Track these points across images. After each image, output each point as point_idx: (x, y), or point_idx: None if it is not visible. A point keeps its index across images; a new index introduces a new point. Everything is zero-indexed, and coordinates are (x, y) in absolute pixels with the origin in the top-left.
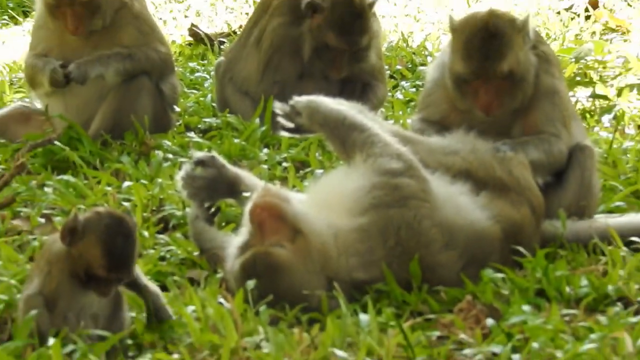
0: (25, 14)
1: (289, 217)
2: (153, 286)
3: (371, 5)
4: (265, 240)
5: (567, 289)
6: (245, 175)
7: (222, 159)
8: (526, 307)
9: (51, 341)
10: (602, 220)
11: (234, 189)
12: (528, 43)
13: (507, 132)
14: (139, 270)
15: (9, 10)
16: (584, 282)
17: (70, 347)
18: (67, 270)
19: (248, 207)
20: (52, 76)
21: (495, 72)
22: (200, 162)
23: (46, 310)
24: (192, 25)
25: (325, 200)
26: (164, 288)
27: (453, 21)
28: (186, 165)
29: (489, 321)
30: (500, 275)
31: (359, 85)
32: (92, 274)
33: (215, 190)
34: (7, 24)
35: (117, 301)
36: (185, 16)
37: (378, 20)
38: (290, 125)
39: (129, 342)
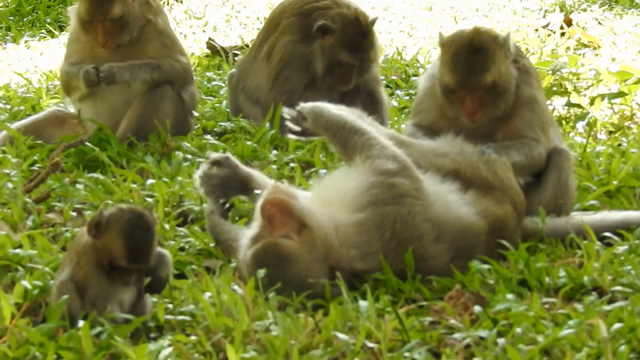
0: (61, 28)
1: (296, 212)
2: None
3: (373, 22)
4: (275, 232)
5: (547, 279)
6: (256, 174)
7: (235, 160)
8: (510, 296)
9: (81, 324)
10: (578, 217)
11: (246, 186)
12: (509, 57)
13: (491, 137)
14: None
15: (47, 25)
16: (562, 273)
17: (98, 329)
18: (94, 260)
19: (259, 202)
20: (86, 75)
21: (479, 83)
22: (216, 162)
23: (77, 295)
24: (210, 39)
25: (328, 197)
26: (182, 276)
27: (442, 37)
28: (203, 165)
29: (477, 308)
30: (486, 266)
31: (363, 94)
32: (114, 264)
33: (230, 187)
34: (45, 37)
35: (140, 288)
36: (203, 31)
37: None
38: (297, 128)
39: (151, 324)
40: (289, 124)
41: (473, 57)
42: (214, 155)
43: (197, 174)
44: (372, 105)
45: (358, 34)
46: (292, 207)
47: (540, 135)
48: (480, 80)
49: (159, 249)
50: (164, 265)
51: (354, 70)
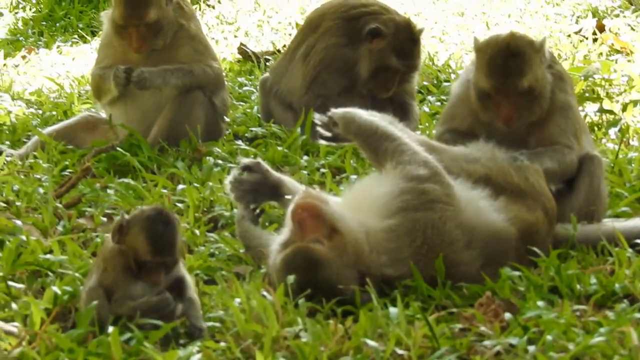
0: (93, 34)
1: (327, 217)
2: (196, 300)
3: (421, 31)
4: (305, 237)
5: (578, 287)
6: (287, 179)
7: (266, 165)
8: (541, 303)
9: (110, 329)
10: (610, 223)
11: (277, 192)
12: (545, 63)
13: (524, 142)
14: (189, 282)
15: (79, 30)
16: (593, 280)
17: (127, 335)
18: (121, 265)
19: (290, 207)
20: (115, 77)
21: (515, 88)
22: (246, 168)
23: (106, 301)
24: (241, 44)
25: (359, 203)
26: (212, 282)
27: (477, 42)
28: (234, 170)
29: (507, 315)
30: (517, 273)
31: (395, 105)
32: (140, 261)
33: (260, 193)
34: (77, 42)
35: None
36: (235, 36)
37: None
38: (328, 134)
39: (180, 330)
40: (320, 130)
41: (509, 62)
42: (245, 160)
43: (228, 180)
44: (402, 118)
45: (409, 40)
46: (323, 212)
47: (572, 141)
48: (516, 84)
49: (188, 294)
50: (194, 310)
51: (396, 78)
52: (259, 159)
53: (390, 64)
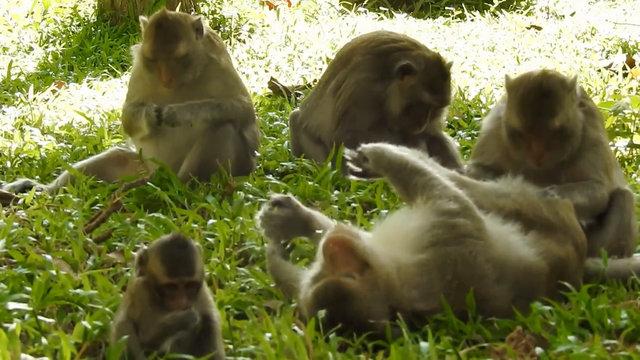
0: (124, 68)
1: (358, 251)
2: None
3: (450, 65)
4: (336, 271)
5: (609, 321)
6: (317, 215)
7: (296, 200)
8: (571, 337)
9: None
10: None
11: (307, 227)
12: (576, 100)
13: (555, 178)
14: (218, 331)
15: (109, 64)
16: (624, 314)
17: None
18: (147, 298)
19: (322, 241)
20: (147, 116)
21: (547, 128)
22: (277, 203)
23: (136, 335)
24: (272, 79)
25: (390, 238)
26: (243, 316)
27: (509, 79)
28: (264, 205)
29: (538, 350)
30: (548, 307)
31: (427, 138)
32: (159, 286)
33: (291, 228)
34: (107, 76)
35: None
36: (266, 71)
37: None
38: (359, 169)
39: None
40: (351, 165)
41: (541, 101)
42: (275, 196)
43: (258, 215)
44: (440, 149)
45: (440, 75)
46: (355, 246)
47: (603, 177)
48: (548, 124)
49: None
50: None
51: (429, 113)
52: (290, 195)
53: (422, 100)
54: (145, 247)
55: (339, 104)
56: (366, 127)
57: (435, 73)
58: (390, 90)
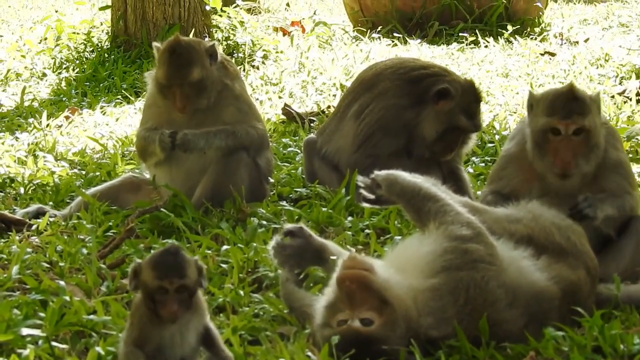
0: (137, 94)
1: (375, 287)
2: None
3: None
4: (355, 309)
5: (621, 347)
6: (330, 244)
7: (309, 230)
8: None
9: None
10: None
11: (320, 256)
12: (601, 114)
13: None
14: (220, 338)
15: (123, 91)
16: (637, 340)
17: None
18: (146, 315)
19: (337, 274)
20: (161, 141)
21: (577, 123)
22: (289, 233)
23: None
24: (286, 105)
25: (403, 264)
26: (257, 342)
27: (533, 94)
28: (277, 235)
29: None
30: (560, 333)
31: (446, 169)
32: (150, 292)
33: (303, 258)
34: (121, 102)
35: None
36: (280, 97)
37: None
38: (372, 196)
39: None
40: (364, 192)
41: (572, 102)
42: (288, 226)
43: (271, 245)
44: (455, 181)
45: (475, 100)
46: (372, 283)
47: (631, 189)
48: (577, 120)
49: (220, 347)
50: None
51: (461, 139)
52: (302, 224)
53: (459, 125)
54: (138, 260)
55: (363, 127)
56: (387, 153)
57: (471, 98)
58: (425, 115)
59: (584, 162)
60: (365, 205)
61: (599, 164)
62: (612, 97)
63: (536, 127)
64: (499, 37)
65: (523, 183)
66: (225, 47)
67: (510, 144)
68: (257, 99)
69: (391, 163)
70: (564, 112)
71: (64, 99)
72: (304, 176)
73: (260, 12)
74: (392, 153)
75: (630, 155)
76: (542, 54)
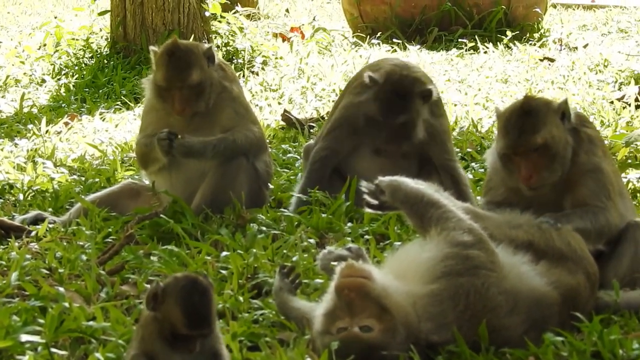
0: (136, 100)
1: (374, 295)
2: None
3: (423, 92)
4: (354, 318)
5: (621, 352)
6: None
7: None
8: None
9: None
10: None
11: None
12: (568, 124)
13: (560, 208)
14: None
15: (122, 97)
16: (636, 345)
17: None
18: (156, 332)
19: (335, 282)
20: (159, 140)
21: (529, 145)
22: (347, 249)
23: None
24: (285, 111)
25: (403, 269)
26: (256, 348)
27: (498, 109)
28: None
29: None
30: (560, 338)
31: (439, 169)
32: (177, 333)
33: None
34: (120, 109)
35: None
36: (279, 103)
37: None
38: (375, 202)
39: None
40: (367, 198)
41: (523, 120)
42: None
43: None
44: (451, 184)
45: (393, 91)
46: (371, 291)
47: (606, 202)
48: (529, 141)
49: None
50: None
51: (392, 132)
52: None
53: (369, 113)
54: (160, 282)
55: (329, 123)
56: (347, 149)
57: (387, 87)
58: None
59: (548, 173)
60: (369, 210)
61: (572, 170)
62: (611, 102)
63: (497, 148)
64: (498, 42)
65: (510, 193)
66: (224, 53)
67: (492, 156)
68: (257, 105)
69: (353, 159)
70: (515, 135)
71: (63, 105)
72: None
73: (259, 18)
74: (353, 148)
75: (630, 161)
76: (541, 60)
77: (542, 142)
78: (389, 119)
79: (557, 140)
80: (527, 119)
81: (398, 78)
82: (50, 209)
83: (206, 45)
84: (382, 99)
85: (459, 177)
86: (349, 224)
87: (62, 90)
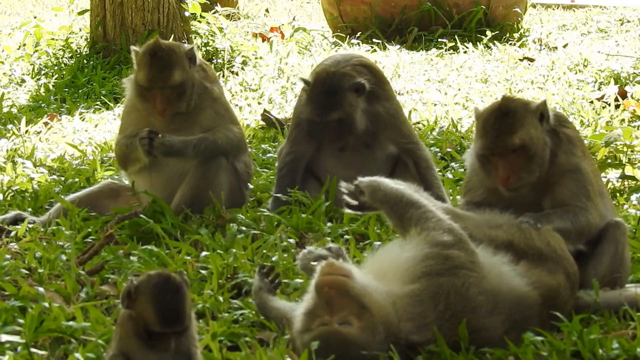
0: (116, 100)
1: (354, 293)
2: None
3: (355, 85)
4: (333, 315)
5: (600, 351)
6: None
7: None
8: None
9: None
10: (632, 289)
11: None
12: (546, 125)
13: (539, 208)
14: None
15: (102, 97)
16: (615, 345)
17: None
18: (132, 331)
19: (315, 280)
20: (140, 139)
21: (507, 145)
22: (328, 248)
23: None
24: (265, 111)
25: (383, 270)
26: (236, 348)
27: (477, 110)
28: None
29: None
30: (540, 338)
31: (406, 157)
32: (150, 330)
33: None
34: (100, 109)
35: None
36: (259, 103)
37: (388, 102)
38: (355, 202)
39: None
40: (347, 198)
41: (500, 121)
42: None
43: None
44: (413, 167)
45: (322, 91)
46: (351, 288)
47: (586, 202)
48: (507, 141)
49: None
50: None
51: (330, 129)
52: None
53: (305, 114)
54: (134, 280)
55: (290, 128)
56: (308, 151)
57: (317, 87)
58: None
59: (526, 174)
60: (348, 211)
61: (551, 170)
62: (591, 102)
63: (475, 149)
64: (478, 42)
65: (489, 193)
66: (204, 53)
67: (470, 156)
68: (237, 105)
69: (316, 160)
70: (492, 136)
71: (42, 105)
72: None
73: (239, 18)
74: (318, 148)
75: (609, 161)
76: (521, 60)
77: (519, 143)
78: (324, 117)
79: (534, 141)
80: (504, 120)
81: (325, 76)
82: (29, 209)
83: (188, 46)
84: (313, 99)
85: (420, 160)
86: (329, 224)
87: (42, 90)
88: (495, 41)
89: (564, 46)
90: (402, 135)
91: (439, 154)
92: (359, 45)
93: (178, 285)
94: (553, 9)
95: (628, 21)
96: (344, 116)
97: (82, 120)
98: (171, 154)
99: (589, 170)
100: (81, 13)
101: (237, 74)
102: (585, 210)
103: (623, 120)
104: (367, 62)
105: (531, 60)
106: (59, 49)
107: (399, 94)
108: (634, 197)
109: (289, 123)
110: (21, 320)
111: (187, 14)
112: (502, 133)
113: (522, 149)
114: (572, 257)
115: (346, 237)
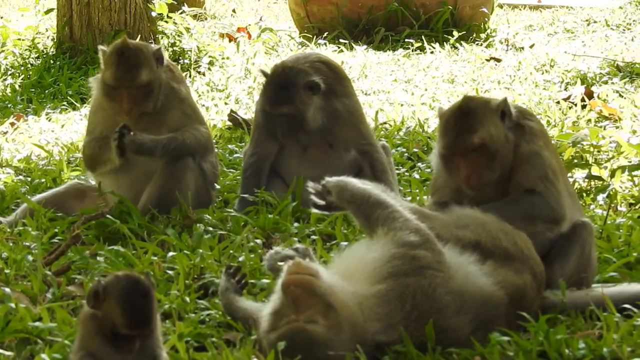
0: (83, 101)
1: (320, 292)
2: None
3: (310, 83)
4: (300, 314)
5: (567, 351)
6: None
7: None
8: None
9: None
10: (598, 289)
11: None
12: (508, 122)
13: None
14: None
15: (68, 97)
16: (582, 345)
17: None
18: (96, 330)
19: (281, 279)
20: (113, 137)
21: (467, 145)
22: (295, 249)
23: None
24: (232, 111)
25: (350, 270)
26: (203, 349)
27: (441, 110)
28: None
29: None
30: (506, 338)
31: (362, 157)
32: (117, 332)
33: None
34: (66, 109)
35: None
36: (226, 103)
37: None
38: (322, 202)
39: None
40: (314, 198)
41: (461, 121)
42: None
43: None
44: (369, 170)
45: (276, 84)
46: (317, 288)
47: (545, 184)
48: (467, 141)
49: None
50: None
51: (281, 123)
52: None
53: (263, 109)
54: (101, 280)
55: (252, 129)
56: (270, 151)
57: (268, 82)
58: None
59: (488, 172)
60: (316, 211)
61: (514, 161)
62: (558, 102)
63: (438, 150)
64: (444, 43)
65: (455, 193)
66: (171, 53)
67: (435, 157)
68: (203, 105)
69: (279, 159)
70: (453, 135)
71: (9, 105)
72: None
73: (206, 19)
74: (281, 148)
75: (576, 161)
76: (487, 60)
77: (479, 142)
78: (273, 109)
79: (495, 140)
80: (464, 120)
81: (281, 71)
82: None
83: (155, 46)
84: (267, 91)
85: (375, 163)
86: (296, 224)
87: (8, 90)
88: (462, 41)
89: (531, 46)
90: (361, 135)
91: (406, 154)
92: (326, 46)
93: (147, 288)
94: (520, 10)
95: (594, 21)
96: (295, 112)
97: (49, 120)
98: (141, 152)
99: (550, 157)
100: (47, 12)
101: (203, 74)
102: (545, 193)
103: (589, 120)
104: (326, 59)
105: (498, 60)
106: (25, 49)
107: (365, 94)
108: (600, 197)
109: None
110: None
111: (154, 14)
112: (462, 133)
113: (483, 148)
114: (539, 257)
115: (313, 237)
